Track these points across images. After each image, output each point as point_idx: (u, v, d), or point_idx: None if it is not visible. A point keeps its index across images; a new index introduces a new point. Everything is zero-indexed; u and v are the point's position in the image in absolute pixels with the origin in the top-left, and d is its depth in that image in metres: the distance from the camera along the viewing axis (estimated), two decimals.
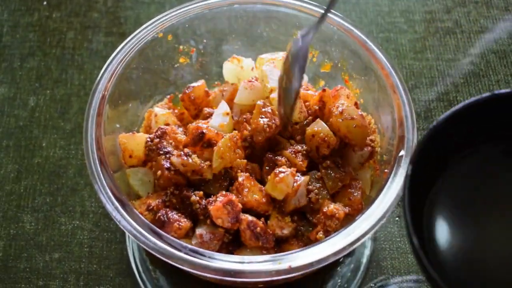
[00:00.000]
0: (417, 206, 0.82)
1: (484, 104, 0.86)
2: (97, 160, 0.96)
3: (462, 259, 0.83)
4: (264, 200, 0.99)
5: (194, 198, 0.99)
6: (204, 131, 1.02)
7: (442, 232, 0.83)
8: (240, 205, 0.97)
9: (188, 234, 0.99)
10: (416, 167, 0.82)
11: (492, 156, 0.90)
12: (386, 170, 0.98)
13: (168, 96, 1.21)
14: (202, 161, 1.01)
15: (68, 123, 1.36)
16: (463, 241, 0.83)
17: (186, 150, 1.02)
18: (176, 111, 1.18)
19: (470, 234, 0.84)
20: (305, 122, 1.07)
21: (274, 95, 1.05)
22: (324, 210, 0.97)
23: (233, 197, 0.96)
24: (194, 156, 1.00)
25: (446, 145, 0.87)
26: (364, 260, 1.19)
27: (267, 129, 1.01)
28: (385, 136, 1.06)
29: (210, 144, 1.02)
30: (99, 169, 0.95)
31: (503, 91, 0.87)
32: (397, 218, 1.22)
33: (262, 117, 1.02)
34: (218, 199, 0.97)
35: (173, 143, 1.04)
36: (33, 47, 1.48)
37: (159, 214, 0.97)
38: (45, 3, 1.55)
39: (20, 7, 1.54)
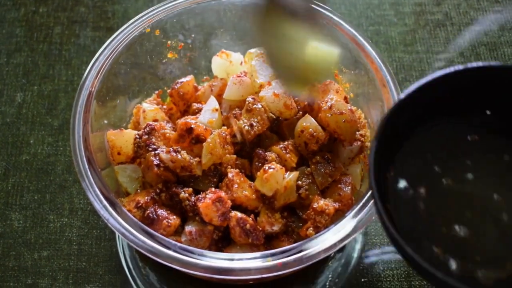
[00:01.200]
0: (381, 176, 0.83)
1: (447, 79, 0.86)
2: (84, 158, 0.95)
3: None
4: (253, 196, 0.98)
5: (183, 195, 0.98)
6: (192, 126, 1.01)
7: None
8: (229, 202, 0.96)
9: (178, 231, 0.98)
10: (381, 141, 0.83)
11: (456, 127, 0.90)
12: None
13: (156, 92, 1.20)
14: (191, 157, 1.00)
15: (56, 119, 1.35)
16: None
17: (175, 146, 1.01)
18: (164, 107, 1.17)
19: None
20: (296, 117, 1.06)
21: (264, 93, 1.04)
22: (314, 206, 0.97)
23: (223, 194, 0.96)
24: (183, 152, 1.00)
25: (411, 118, 0.88)
26: (355, 255, 1.19)
27: (250, 131, 1.01)
28: (375, 131, 1.05)
29: (199, 139, 1.01)
30: (86, 167, 0.94)
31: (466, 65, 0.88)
32: None
33: (244, 120, 1.02)
34: (207, 196, 0.96)
35: (162, 139, 1.04)
36: (20, 42, 1.46)
37: (148, 211, 0.96)
38: None
39: (6, 1, 1.53)
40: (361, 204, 0.92)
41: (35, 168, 1.28)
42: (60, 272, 1.17)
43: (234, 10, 1.18)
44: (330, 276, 1.16)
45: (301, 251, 0.87)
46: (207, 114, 1.06)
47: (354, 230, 0.90)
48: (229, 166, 1.01)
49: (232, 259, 0.88)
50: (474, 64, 0.89)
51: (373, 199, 0.80)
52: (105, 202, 0.91)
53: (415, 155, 0.88)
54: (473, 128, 0.90)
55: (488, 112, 0.90)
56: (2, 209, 1.23)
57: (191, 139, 1.01)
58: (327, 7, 1.11)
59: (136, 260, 1.16)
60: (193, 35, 1.20)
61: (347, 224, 0.90)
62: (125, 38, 1.10)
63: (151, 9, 1.13)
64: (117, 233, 0.95)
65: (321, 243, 0.88)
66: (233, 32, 1.22)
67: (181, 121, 1.03)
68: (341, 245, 0.89)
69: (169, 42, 1.18)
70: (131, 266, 1.16)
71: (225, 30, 1.21)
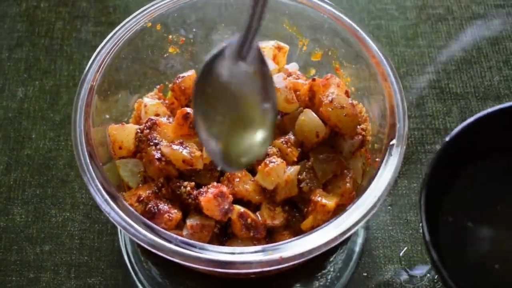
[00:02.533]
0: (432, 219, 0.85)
1: (493, 117, 0.87)
2: (86, 153, 0.95)
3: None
4: (255, 190, 0.98)
5: (184, 189, 0.99)
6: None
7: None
8: (231, 197, 0.96)
9: (179, 225, 0.98)
10: (429, 186, 0.83)
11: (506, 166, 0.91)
12: (377, 159, 0.97)
13: (158, 86, 1.20)
14: (192, 151, 1.00)
15: (58, 114, 1.35)
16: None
17: (176, 139, 1.02)
18: (166, 101, 1.17)
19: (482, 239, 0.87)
20: (297, 111, 1.06)
21: None
22: (315, 201, 0.97)
23: (224, 189, 0.96)
24: (184, 146, 1.00)
25: (459, 157, 0.88)
26: (357, 249, 1.19)
27: None
28: (376, 125, 1.05)
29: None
30: (88, 162, 0.94)
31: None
32: (389, 207, 1.22)
33: None
34: (209, 190, 0.96)
35: (165, 132, 1.04)
36: (21, 37, 1.46)
37: (149, 205, 0.97)
38: None
39: None
40: (362, 198, 0.92)
41: (37, 163, 1.29)
42: (62, 266, 1.17)
43: (235, 4, 1.18)
44: (331, 270, 1.16)
45: (302, 244, 0.87)
46: None
47: (355, 224, 0.89)
48: None
49: (233, 253, 0.88)
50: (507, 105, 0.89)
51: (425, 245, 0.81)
52: (106, 196, 0.91)
53: (468, 194, 0.89)
54: None
55: None
56: (4, 203, 1.24)
57: (190, 124, 1.01)
58: (328, 2, 1.11)
59: (138, 254, 1.16)
60: (194, 30, 1.20)
61: (348, 217, 0.90)
62: (126, 32, 1.09)
63: (152, 3, 1.12)
64: (118, 227, 0.95)
65: (322, 236, 0.88)
66: (234, 26, 1.22)
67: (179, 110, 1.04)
68: (342, 238, 0.89)
69: (170, 36, 1.17)
70: (133, 260, 1.17)
71: (227, 24, 1.21)
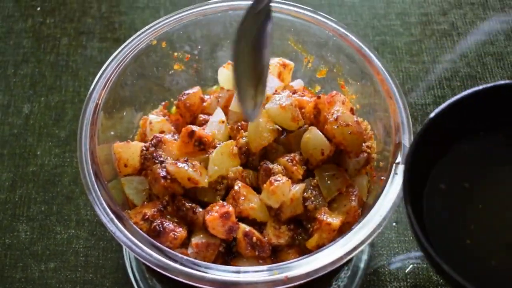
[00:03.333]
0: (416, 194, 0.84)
1: (480, 95, 0.87)
2: (91, 171, 0.95)
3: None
4: (260, 208, 0.98)
5: (188, 206, 0.99)
6: (194, 129, 1.02)
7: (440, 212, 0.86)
8: (235, 219, 0.96)
9: (184, 243, 0.98)
10: (413, 160, 0.83)
11: (492, 142, 0.91)
12: (382, 178, 0.97)
13: (163, 103, 1.21)
14: (197, 169, 1.00)
15: (63, 130, 1.35)
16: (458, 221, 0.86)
17: (181, 157, 1.02)
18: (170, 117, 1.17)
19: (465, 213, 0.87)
20: (303, 129, 1.06)
21: (270, 105, 1.04)
22: (320, 219, 0.97)
23: (230, 208, 0.96)
24: (189, 164, 1.00)
25: (444, 134, 0.88)
26: (362, 266, 1.19)
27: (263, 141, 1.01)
28: (382, 142, 1.05)
29: (202, 142, 1.01)
30: (93, 180, 0.94)
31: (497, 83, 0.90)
32: (394, 224, 1.22)
33: None
34: (214, 208, 0.96)
35: (171, 150, 1.04)
36: (27, 53, 1.47)
37: (155, 223, 0.96)
38: (38, 9, 1.54)
39: (13, 13, 1.54)
40: (368, 216, 0.92)
41: (42, 180, 1.29)
42: (67, 284, 1.17)
43: (240, 21, 1.18)
44: (337, 287, 1.15)
45: (307, 264, 0.87)
46: (214, 126, 1.06)
47: (361, 243, 0.89)
48: (236, 178, 1.01)
49: (238, 272, 0.87)
50: (502, 82, 0.90)
51: (409, 219, 0.81)
52: (111, 215, 0.91)
53: (451, 170, 0.89)
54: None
55: None
56: (10, 220, 1.24)
57: (195, 142, 1.01)
58: (333, 19, 1.11)
59: (143, 272, 1.16)
60: (199, 47, 1.20)
61: (354, 236, 0.90)
62: (132, 50, 1.10)
63: (157, 21, 1.13)
64: (124, 246, 0.95)
65: (328, 256, 0.88)
66: None
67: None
68: (348, 258, 0.89)
69: (175, 53, 1.18)
70: (138, 278, 1.17)
71: (231, 41, 1.21)
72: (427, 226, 0.84)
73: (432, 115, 0.86)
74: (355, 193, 1.02)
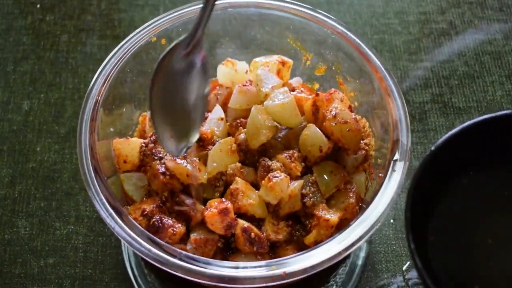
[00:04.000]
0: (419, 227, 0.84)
1: (482, 125, 0.87)
2: (91, 167, 0.95)
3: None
4: (258, 204, 0.99)
5: (188, 202, 0.99)
6: None
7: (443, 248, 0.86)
8: (233, 215, 0.97)
9: (183, 239, 0.99)
10: (416, 192, 0.83)
11: (495, 176, 0.91)
12: (380, 175, 0.98)
13: None
14: (196, 166, 1.01)
15: (63, 127, 1.36)
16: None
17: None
18: None
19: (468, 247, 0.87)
20: (301, 126, 1.07)
21: (269, 102, 1.05)
22: (318, 215, 0.97)
23: (229, 205, 0.96)
24: (188, 159, 1.00)
25: (446, 167, 0.88)
26: (360, 263, 1.19)
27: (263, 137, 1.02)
28: (379, 139, 1.06)
29: (201, 139, 1.02)
30: (93, 176, 0.95)
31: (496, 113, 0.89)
32: (392, 221, 1.22)
33: None
34: (213, 204, 0.97)
35: None
36: (27, 50, 1.47)
37: (154, 219, 0.97)
38: (38, 6, 1.55)
39: (13, 10, 1.54)
40: (365, 213, 0.93)
41: (41, 176, 1.29)
42: (66, 279, 1.17)
43: (240, 18, 1.19)
44: (334, 283, 1.16)
45: (305, 260, 0.88)
46: (213, 123, 1.07)
47: (358, 240, 0.90)
48: (234, 175, 1.02)
49: (237, 268, 0.88)
50: (502, 113, 0.89)
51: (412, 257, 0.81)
52: (111, 211, 0.92)
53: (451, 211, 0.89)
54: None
55: None
56: (9, 216, 1.24)
57: None
58: (332, 17, 1.11)
59: (142, 268, 1.17)
60: None
61: (351, 233, 0.91)
62: (131, 47, 1.10)
63: (157, 18, 1.13)
64: (122, 241, 0.96)
65: (325, 252, 0.88)
66: (238, 40, 1.23)
67: None
68: (346, 254, 0.89)
69: None
70: (136, 274, 1.17)
71: (230, 38, 1.22)
72: (431, 263, 0.84)
73: (433, 147, 0.85)
74: (353, 189, 1.03)
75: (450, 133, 0.87)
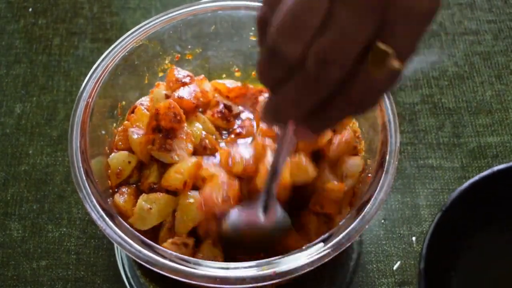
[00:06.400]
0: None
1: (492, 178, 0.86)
2: (82, 170, 0.96)
3: None
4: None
5: None
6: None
7: None
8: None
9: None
10: (429, 257, 0.83)
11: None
12: (369, 175, 0.99)
13: None
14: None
15: (55, 130, 1.36)
16: None
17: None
18: None
19: None
20: None
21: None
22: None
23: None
24: None
25: (458, 226, 0.88)
26: (351, 263, 1.20)
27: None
28: (368, 141, 1.07)
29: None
30: (84, 178, 0.95)
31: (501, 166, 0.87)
32: (382, 221, 1.23)
33: None
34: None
35: None
36: (19, 54, 1.48)
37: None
38: (30, 9, 1.55)
39: (5, 14, 1.54)
40: (355, 212, 0.93)
41: (34, 179, 1.30)
42: (59, 281, 1.18)
43: (231, 21, 1.19)
44: (325, 284, 1.17)
45: (295, 260, 0.88)
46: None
47: (348, 240, 0.90)
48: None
49: (227, 268, 0.89)
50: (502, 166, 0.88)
51: None
52: (102, 213, 0.92)
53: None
54: None
55: None
56: (2, 219, 1.25)
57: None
58: None
59: (134, 270, 1.17)
60: (190, 47, 1.22)
61: (341, 233, 0.91)
62: (122, 49, 1.11)
63: (148, 21, 1.14)
64: (114, 243, 0.96)
65: (314, 252, 0.89)
66: (229, 42, 1.23)
67: None
68: (335, 254, 0.90)
69: (166, 53, 1.19)
70: (129, 275, 1.18)
71: (222, 41, 1.23)
72: None
73: (443, 208, 0.84)
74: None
75: (459, 189, 0.86)
